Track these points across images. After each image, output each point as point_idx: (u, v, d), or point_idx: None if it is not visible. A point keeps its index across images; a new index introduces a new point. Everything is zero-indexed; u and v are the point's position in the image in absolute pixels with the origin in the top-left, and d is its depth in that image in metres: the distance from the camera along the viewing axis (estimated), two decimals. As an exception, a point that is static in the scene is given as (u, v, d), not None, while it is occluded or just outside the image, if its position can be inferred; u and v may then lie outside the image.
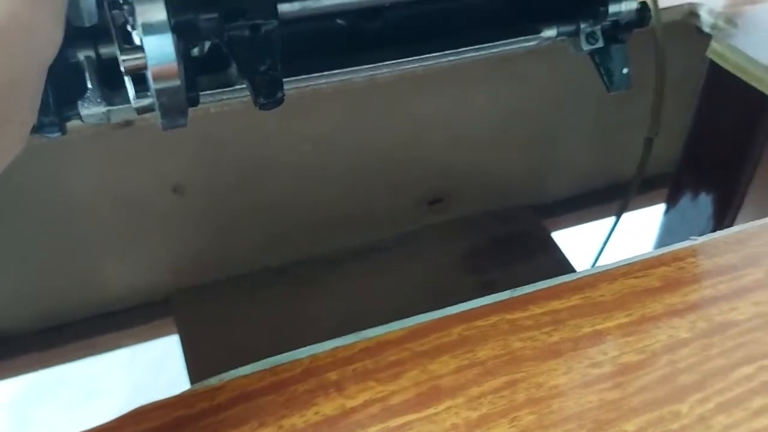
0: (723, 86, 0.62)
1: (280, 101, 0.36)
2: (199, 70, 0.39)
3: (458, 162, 0.72)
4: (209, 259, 0.67)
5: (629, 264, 0.36)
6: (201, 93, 0.40)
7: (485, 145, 0.72)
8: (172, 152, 0.59)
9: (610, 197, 0.81)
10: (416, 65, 0.48)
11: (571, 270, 0.75)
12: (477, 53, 0.49)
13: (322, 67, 0.44)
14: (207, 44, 0.37)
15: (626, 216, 0.84)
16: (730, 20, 0.58)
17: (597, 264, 0.79)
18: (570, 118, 0.74)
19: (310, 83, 0.45)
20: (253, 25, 0.34)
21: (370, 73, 0.46)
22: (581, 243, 0.89)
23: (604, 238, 0.72)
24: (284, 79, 0.43)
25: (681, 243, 0.37)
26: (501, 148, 0.73)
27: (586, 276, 0.35)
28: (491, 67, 0.65)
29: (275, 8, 0.35)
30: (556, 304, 0.33)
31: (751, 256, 0.36)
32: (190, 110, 0.48)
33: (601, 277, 0.35)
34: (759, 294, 0.34)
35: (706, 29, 0.60)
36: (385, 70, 0.47)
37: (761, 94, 0.53)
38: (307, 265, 0.71)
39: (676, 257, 0.36)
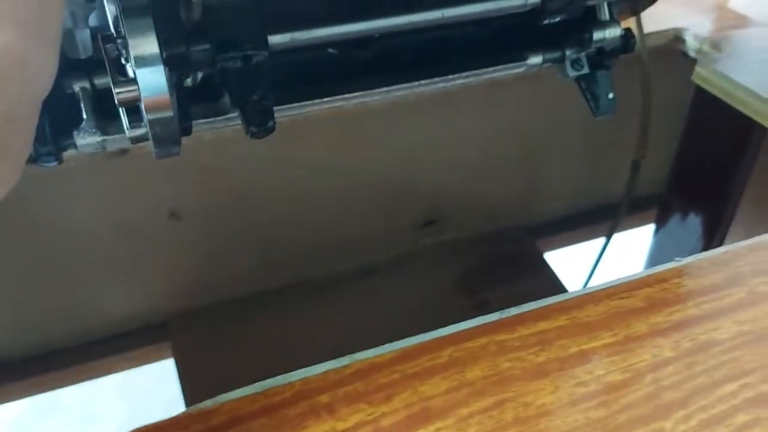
0: (709, 109, 0.63)
1: (271, 129, 0.36)
2: (192, 100, 0.40)
3: (451, 185, 0.73)
4: (205, 283, 0.68)
5: (614, 285, 0.36)
6: (194, 122, 0.41)
7: (477, 168, 0.73)
8: (167, 179, 0.59)
9: (600, 218, 0.82)
10: (406, 92, 0.49)
11: (563, 290, 0.75)
12: (466, 80, 0.50)
13: (313, 95, 0.45)
14: (200, 74, 0.38)
15: (617, 236, 0.85)
16: (715, 45, 0.60)
17: (589, 284, 0.79)
18: (559, 141, 0.75)
19: (302, 111, 0.46)
20: (245, 56, 0.35)
21: (361, 100, 0.47)
22: (574, 263, 0.90)
23: (595, 259, 0.72)
24: (276, 107, 0.44)
25: (665, 264, 0.38)
26: (492, 170, 0.74)
27: (572, 297, 0.36)
28: (482, 92, 0.66)
29: (266, 40, 0.36)
30: (543, 325, 0.34)
31: (734, 276, 0.37)
32: (184, 138, 0.49)
33: (588, 298, 0.36)
34: (741, 313, 0.35)
35: (692, 54, 0.61)
36: (375, 98, 0.48)
37: (746, 117, 0.55)
38: (302, 288, 0.72)
39: (660, 278, 0.37)
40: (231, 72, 0.35)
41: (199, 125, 0.42)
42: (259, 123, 0.36)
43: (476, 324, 0.34)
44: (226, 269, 0.67)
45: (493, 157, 0.73)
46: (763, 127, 0.54)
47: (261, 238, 0.66)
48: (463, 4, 0.42)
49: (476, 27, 0.51)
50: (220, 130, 0.43)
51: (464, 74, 0.49)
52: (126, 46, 0.32)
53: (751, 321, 0.34)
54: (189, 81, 0.38)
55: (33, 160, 0.35)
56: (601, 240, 0.81)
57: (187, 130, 0.39)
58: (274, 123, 0.36)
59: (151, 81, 0.32)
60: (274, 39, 0.38)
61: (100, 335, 0.68)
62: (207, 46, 0.34)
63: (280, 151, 0.61)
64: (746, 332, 0.34)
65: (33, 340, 0.66)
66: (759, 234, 0.42)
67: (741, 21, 0.65)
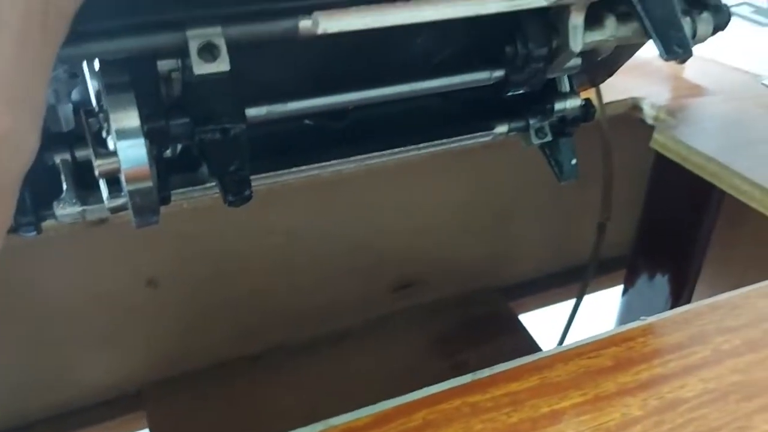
0: (669, 173, 0.66)
1: (248, 198, 0.38)
2: (171, 170, 0.41)
3: (425, 249, 0.74)
4: (182, 350, 0.67)
5: (583, 345, 0.37)
6: (173, 191, 0.43)
7: (450, 231, 0.75)
8: (146, 247, 0.60)
9: (571, 280, 0.84)
10: (379, 160, 0.50)
11: (538, 350, 0.76)
12: (436, 148, 0.52)
13: (290, 164, 0.47)
14: (179, 145, 0.39)
15: (590, 297, 0.87)
16: (671, 113, 0.63)
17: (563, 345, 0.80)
18: (529, 205, 0.78)
19: (279, 179, 0.47)
20: (223, 129, 0.36)
21: (336, 168, 0.49)
22: (549, 324, 0.91)
23: (567, 320, 0.73)
24: (253, 177, 0.45)
25: (632, 323, 0.39)
26: (465, 234, 0.76)
27: (543, 358, 0.37)
28: (452, 159, 0.68)
29: (243, 113, 0.37)
30: (515, 386, 0.35)
31: (698, 335, 0.38)
32: (163, 207, 0.50)
33: (557, 357, 0.36)
34: (706, 371, 0.36)
35: (649, 121, 0.64)
36: (350, 166, 0.50)
37: (704, 180, 0.57)
38: (279, 354, 0.72)
39: (626, 337, 0.38)
40: (209, 144, 0.36)
41: (178, 194, 0.43)
42: (236, 192, 0.37)
43: (449, 386, 0.35)
44: (203, 336, 0.67)
45: (466, 221, 0.75)
46: (721, 190, 0.56)
47: (238, 305, 0.66)
48: (431, 78, 0.44)
49: (445, 98, 0.54)
50: (198, 198, 0.44)
51: (434, 143, 0.51)
52: (107, 120, 0.33)
53: (715, 379, 0.36)
54: (168, 152, 0.40)
55: (13, 230, 0.36)
56: (573, 302, 0.82)
57: (166, 200, 0.40)
58: (251, 192, 0.38)
59: (131, 153, 0.33)
60: (251, 112, 0.39)
61: (76, 405, 0.66)
62: (186, 120, 0.35)
63: (257, 219, 0.62)
64: (711, 390, 0.35)
65: (9, 411, 0.64)
66: (723, 291, 0.43)
67: (695, 90, 0.68)
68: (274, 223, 0.63)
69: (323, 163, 0.48)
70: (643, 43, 0.48)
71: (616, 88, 0.66)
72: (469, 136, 0.52)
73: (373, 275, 0.74)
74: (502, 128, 0.53)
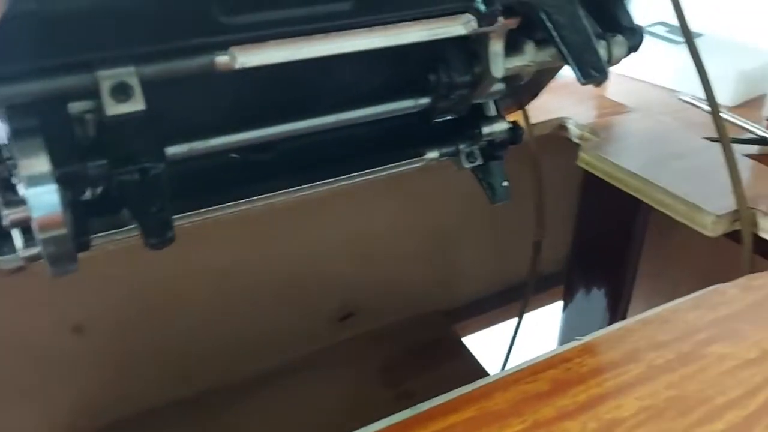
0: (597, 190, 0.67)
1: (171, 240, 0.36)
2: (90, 214, 0.39)
3: (365, 276, 0.74)
4: (113, 399, 0.64)
5: (520, 370, 0.37)
6: (92, 236, 0.41)
7: (389, 257, 0.74)
8: (69, 292, 0.57)
9: (514, 298, 0.85)
10: (309, 192, 0.50)
11: (484, 373, 0.76)
12: (367, 177, 0.52)
13: (216, 201, 0.46)
14: (98, 188, 0.38)
15: (534, 314, 0.88)
16: (595, 131, 0.65)
17: (507, 365, 0.81)
18: (467, 227, 0.78)
19: (206, 217, 0.46)
20: (142, 169, 0.35)
21: (265, 202, 0.48)
22: (492, 344, 0.91)
23: (510, 339, 0.74)
24: (177, 216, 0.44)
25: (567, 344, 0.40)
26: (405, 259, 0.76)
27: (482, 386, 0.36)
28: (389, 184, 0.68)
29: (162, 152, 0.36)
30: (454, 418, 0.34)
31: (631, 352, 0.39)
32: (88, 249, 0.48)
33: (495, 385, 0.36)
34: (640, 389, 0.36)
35: (575, 140, 0.66)
36: (279, 199, 0.49)
37: (631, 195, 0.59)
38: (219, 395, 0.69)
39: (563, 359, 0.38)
40: (128, 185, 0.35)
41: (99, 238, 0.42)
42: (158, 235, 0.36)
43: (388, 423, 0.34)
44: (136, 383, 0.64)
45: (406, 246, 0.75)
46: (647, 204, 0.58)
47: (172, 347, 0.64)
48: (357, 108, 0.44)
49: (376, 126, 0.53)
50: (120, 242, 0.42)
51: (365, 172, 0.51)
52: (17, 166, 0.31)
53: (650, 396, 0.36)
54: (87, 195, 0.38)
55: None
56: (516, 321, 0.83)
57: (84, 246, 0.38)
58: (173, 234, 0.36)
59: (42, 201, 0.31)
60: (172, 150, 0.38)
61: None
62: (102, 162, 0.34)
63: (187, 256, 0.60)
64: (647, 407, 0.35)
65: None
66: (659, 303, 0.44)
67: (618, 107, 0.71)
68: (206, 259, 0.61)
69: (250, 199, 0.47)
70: (563, 66, 0.49)
71: (542, 109, 0.68)
72: (401, 162, 0.52)
73: (314, 306, 0.73)
74: (433, 154, 0.53)
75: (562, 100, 0.71)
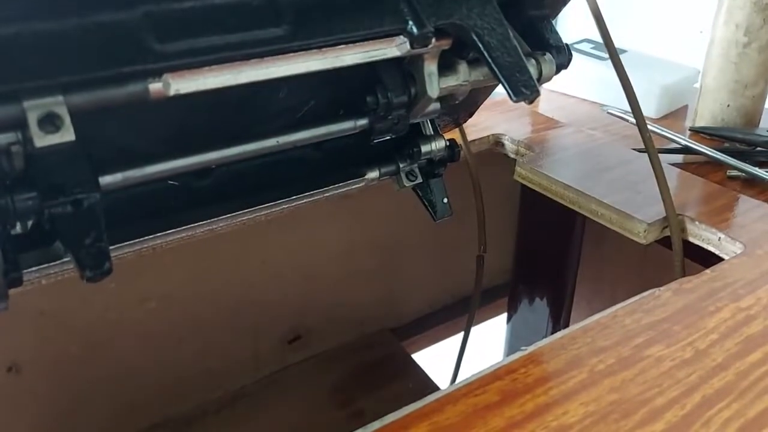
0: (535, 202, 0.69)
1: (108, 272, 0.35)
2: (22, 248, 0.38)
3: (312, 298, 0.73)
4: (53, 439, 0.62)
5: (469, 383, 0.38)
6: (25, 271, 0.39)
7: (336, 278, 0.74)
8: (2, 329, 0.55)
9: (460, 312, 0.86)
10: (252, 216, 0.49)
11: (435, 387, 0.76)
12: (309, 199, 0.52)
13: (155, 228, 0.45)
14: (29, 221, 0.37)
15: (481, 327, 0.89)
16: (529, 146, 0.67)
17: (458, 378, 0.81)
18: (411, 244, 0.79)
19: (144, 246, 0.45)
20: (74, 201, 0.34)
21: (205, 228, 0.47)
22: (442, 358, 0.92)
23: (458, 353, 0.75)
24: (115, 246, 0.42)
25: (513, 355, 0.40)
26: (352, 279, 0.76)
27: (432, 402, 0.37)
28: (331, 205, 0.68)
29: (96, 181, 0.35)
30: (406, 436, 0.34)
31: (573, 359, 0.40)
32: (25, 282, 0.46)
33: (446, 400, 0.37)
34: (584, 394, 0.37)
35: (511, 155, 0.68)
36: (220, 225, 0.48)
37: (567, 207, 0.61)
38: (167, 428, 0.67)
39: (509, 370, 0.39)
40: (60, 218, 0.34)
41: (32, 273, 0.40)
42: (95, 266, 0.35)
43: (340, 445, 0.34)
44: (76, 422, 0.61)
45: (352, 266, 0.75)
46: (583, 215, 0.60)
47: (115, 382, 0.62)
48: (295, 132, 0.44)
49: (316, 149, 0.54)
50: (56, 276, 0.41)
51: (307, 194, 0.51)
52: None
53: (594, 401, 0.37)
54: (18, 228, 0.37)
55: None
56: (464, 334, 0.84)
57: (16, 282, 0.37)
58: (111, 265, 0.35)
59: (-32, 237, 0.30)
60: (106, 179, 0.37)
61: None
62: (32, 194, 0.33)
63: (126, 286, 0.58)
64: (592, 412, 0.36)
65: None
66: (599, 309, 0.45)
67: (550, 122, 0.73)
68: (146, 289, 0.59)
69: (191, 225, 0.46)
70: (497, 84, 0.51)
71: (478, 126, 0.70)
72: (342, 183, 0.53)
73: (260, 331, 0.72)
74: (373, 174, 0.54)
75: (497, 117, 0.73)
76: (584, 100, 0.86)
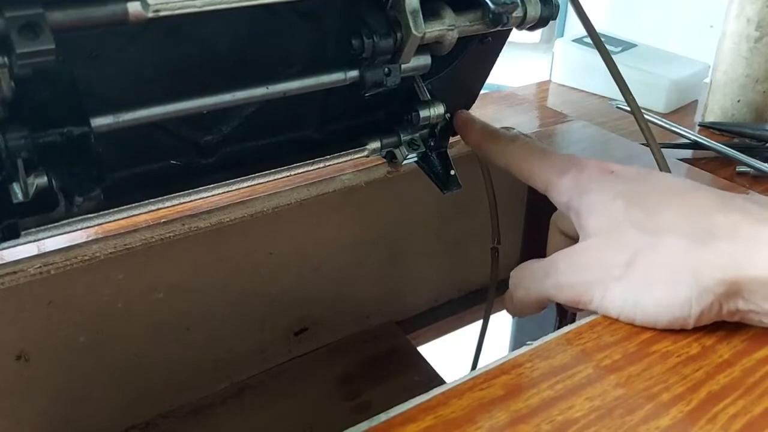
0: (543, 196, 0.69)
1: (98, 197, 0.35)
2: (25, 213, 0.39)
3: (318, 290, 0.73)
4: (63, 427, 0.62)
5: (474, 377, 0.38)
6: (29, 230, 0.41)
7: (343, 270, 0.74)
8: (12, 318, 0.55)
9: (467, 305, 0.86)
10: (251, 183, 0.50)
11: (441, 381, 0.76)
12: (311, 167, 0.52)
13: (159, 195, 0.47)
14: (33, 187, 0.36)
15: (480, 322, 0.88)
16: (539, 139, 0.66)
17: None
18: (418, 237, 0.79)
19: (143, 210, 0.46)
20: (65, 132, 0.34)
21: (208, 193, 0.48)
22: (448, 352, 0.92)
23: (476, 345, 0.75)
24: (124, 207, 0.44)
25: (519, 349, 0.40)
26: (358, 271, 0.76)
27: (437, 395, 0.37)
28: (340, 198, 0.68)
29: (87, 117, 0.35)
30: (411, 428, 0.34)
31: (579, 354, 0.40)
32: (30, 272, 0.47)
33: (451, 393, 0.37)
34: (590, 389, 0.37)
35: (520, 149, 0.67)
36: (225, 189, 0.49)
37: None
38: (174, 417, 0.68)
39: (515, 364, 0.39)
40: (51, 148, 0.34)
41: (36, 233, 0.42)
42: (84, 191, 0.34)
43: (345, 437, 0.34)
44: (86, 409, 0.62)
45: (358, 259, 0.75)
46: (591, 209, 0.59)
47: (123, 371, 0.62)
48: (287, 81, 0.45)
49: (316, 131, 0.54)
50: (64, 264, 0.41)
51: (308, 162, 0.52)
52: None
53: (600, 396, 0.37)
54: (20, 196, 0.37)
55: None
56: (470, 327, 0.84)
57: (13, 231, 0.38)
58: (101, 192, 0.35)
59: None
60: (97, 121, 0.37)
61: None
62: (23, 132, 0.33)
63: (135, 276, 0.58)
64: (597, 407, 0.36)
65: None
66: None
67: (559, 117, 0.73)
68: (154, 278, 0.60)
69: (196, 189, 0.48)
70: (486, 40, 0.51)
71: (487, 119, 0.69)
72: (344, 153, 0.53)
73: (267, 322, 0.72)
74: (375, 144, 0.54)
75: (506, 111, 0.73)
76: (593, 94, 0.86)
